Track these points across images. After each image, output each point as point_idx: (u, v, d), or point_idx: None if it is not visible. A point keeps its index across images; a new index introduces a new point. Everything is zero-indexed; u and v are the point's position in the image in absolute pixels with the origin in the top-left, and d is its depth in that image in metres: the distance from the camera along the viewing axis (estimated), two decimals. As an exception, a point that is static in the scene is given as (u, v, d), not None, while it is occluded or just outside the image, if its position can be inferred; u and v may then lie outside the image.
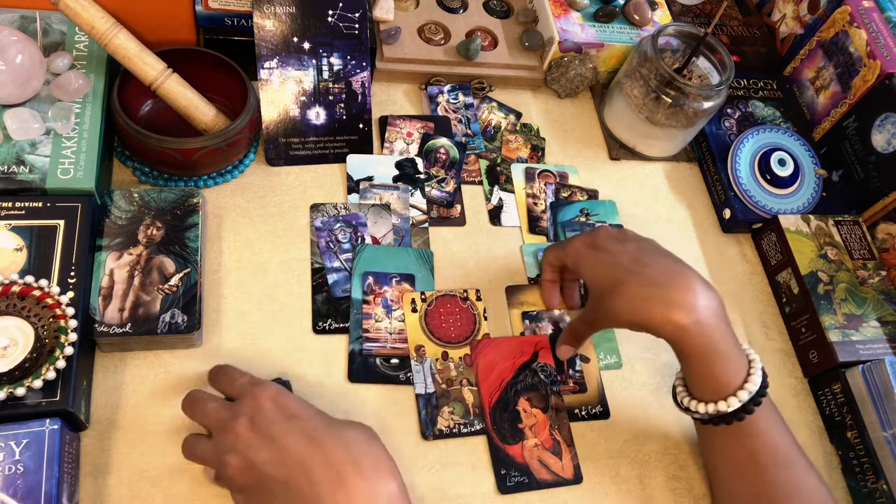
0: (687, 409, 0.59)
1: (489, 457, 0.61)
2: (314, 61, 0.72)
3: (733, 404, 0.55)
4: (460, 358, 0.65)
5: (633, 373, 0.69)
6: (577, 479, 0.61)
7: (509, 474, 0.60)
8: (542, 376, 0.65)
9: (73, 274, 0.55)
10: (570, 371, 0.67)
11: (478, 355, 0.65)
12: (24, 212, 0.57)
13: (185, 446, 0.53)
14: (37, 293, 0.52)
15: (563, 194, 0.78)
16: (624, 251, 0.60)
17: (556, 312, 0.70)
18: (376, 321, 0.65)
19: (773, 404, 0.58)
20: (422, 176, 0.75)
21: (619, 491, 0.62)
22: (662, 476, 0.64)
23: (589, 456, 0.63)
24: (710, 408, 0.56)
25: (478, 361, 0.64)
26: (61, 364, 0.50)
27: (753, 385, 0.55)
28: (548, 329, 0.68)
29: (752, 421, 0.56)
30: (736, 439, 0.57)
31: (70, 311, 0.52)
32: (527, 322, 0.69)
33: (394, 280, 0.67)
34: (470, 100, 0.82)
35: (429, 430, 0.61)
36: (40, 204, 0.57)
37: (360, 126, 0.74)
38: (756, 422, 0.56)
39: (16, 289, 0.52)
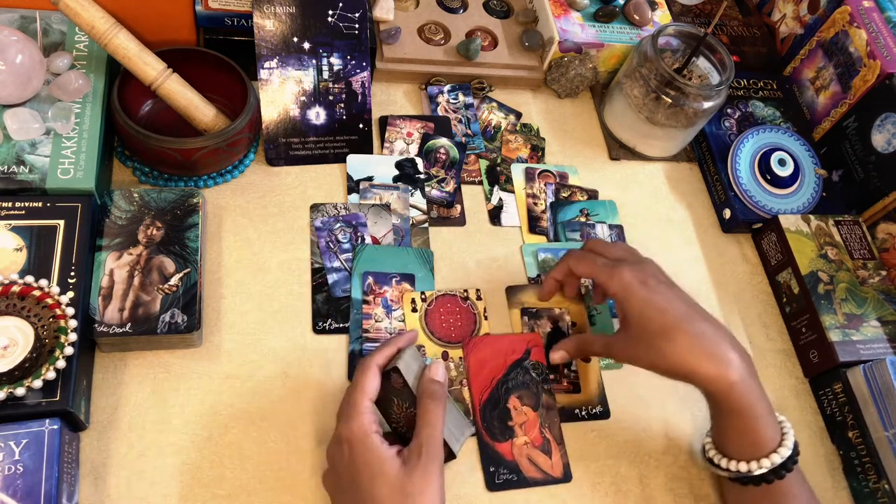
0: (718, 466, 0.58)
1: (478, 454, 0.61)
2: (314, 61, 0.72)
3: (766, 465, 0.55)
4: (460, 358, 0.65)
5: (634, 373, 0.69)
6: (566, 477, 0.61)
7: (498, 472, 0.60)
8: (533, 374, 0.65)
9: (73, 274, 0.55)
10: (565, 370, 0.66)
11: (469, 352, 0.65)
12: (24, 212, 0.57)
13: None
14: (37, 293, 0.52)
15: (563, 194, 0.78)
16: (677, 297, 0.59)
17: (557, 311, 0.69)
18: (376, 321, 0.65)
19: (803, 475, 0.59)
20: (422, 176, 0.75)
21: (619, 491, 0.62)
22: (663, 476, 0.64)
23: (589, 456, 0.63)
24: (743, 466, 0.56)
25: (469, 358, 0.64)
26: (61, 364, 0.50)
27: (787, 450, 0.55)
28: (547, 327, 0.68)
29: (781, 485, 0.56)
30: (763, 499, 0.57)
31: (70, 311, 0.52)
32: (525, 318, 0.69)
33: (394, 280, 0.67)
34: (470, 100, 0.82)
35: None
36: (40, 204, 0.57)
37: (360, 126, 0.74)
38: (786, 486, 0.56)
39: (16, 289, 0.52)
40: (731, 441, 0.58)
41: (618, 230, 0.77)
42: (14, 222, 0.56)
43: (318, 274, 0.67)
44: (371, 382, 0.53)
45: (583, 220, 0.77)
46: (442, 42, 0.83)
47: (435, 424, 0.52)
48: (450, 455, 0.57)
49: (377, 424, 0.52)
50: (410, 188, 0.73)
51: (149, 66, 0.63)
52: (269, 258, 0.67)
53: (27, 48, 0.60)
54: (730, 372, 0.55)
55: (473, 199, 0.76)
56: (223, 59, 0.68)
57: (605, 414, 0.66)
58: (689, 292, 0.75)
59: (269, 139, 0.71)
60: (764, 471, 0.55)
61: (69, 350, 0.51)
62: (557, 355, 0.65)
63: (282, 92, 0.71)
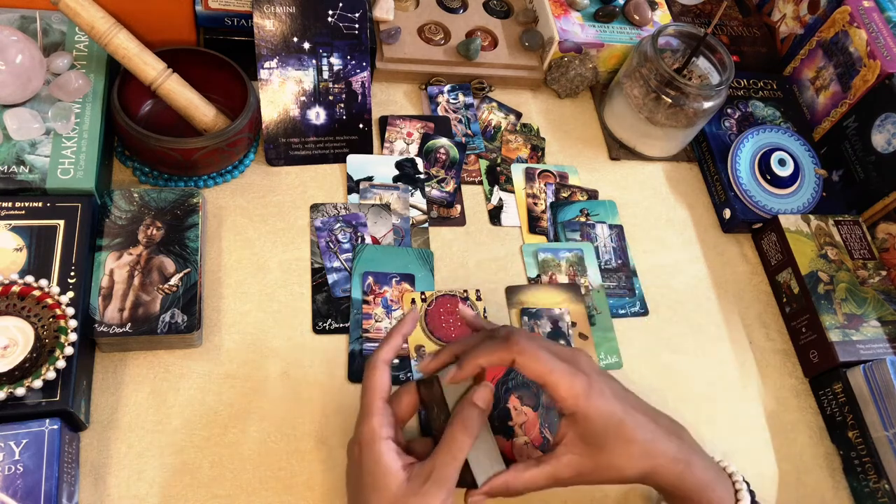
0: None
1: None
2: (314, 61, 0.72)
3: None
4: (460, 358, 0.65)
5: (634, 373, 0.69)
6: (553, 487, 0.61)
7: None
8: None
9: (73, 274, 0.55)
10: None
11: None
12: (24, 212, 0.57)
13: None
14: (37, 293, 0.52)
15: (563, 194, 0.78)
16: (616, 393, 0.52)
17: (557, 311, 0.69)
18: (376, 321, 0.65)
19: None
20: (422, 176, 0.75)
21: (619, 490, 0.62)
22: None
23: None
24: None
25: None
26: (61, 364, 0.50)
27: (745, 502, 0.53)
28: (546, 327, 0.68)
29: None
30: None
31: (70, 311, 0.52)
32: (525, 318, 0.69)
33: (394, 280, 0.67)
34: (470, 100, 0.82)
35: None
36: (40, 204, 0.57)
37: (360, 126, 0.74)
38: None
39: (16, 289, 0.52)
40: None
41: (618, 230, 0.77)
42: (14, 222, 0.56)
43: (318, 274, 0.67)
44: (379, 380, 0.51)
45: (583, 220, 0.77)
46: (442, 42, 0.83)
47: (454, 454, 0.48)
48: (472, 484, 0.51)
49: (391, 427, 0.50)
50: (410, 188, 0.73)
51: (149, 66, 0.63)
52: (269, 258, 0.67)
53: (27, 48, 0.60)
54: (679, 462, 0.51)
55: (473, 199, 0.76)
56: (223, 59, 0.68)
57: (605, 414, 0.65)
58: (689, 292, 0.76)
59: (269, 139, 0.71)
60: None
61: (69, 350, 0.51)
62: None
63: (282, 92, 0.71)
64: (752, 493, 0.54)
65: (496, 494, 0.51)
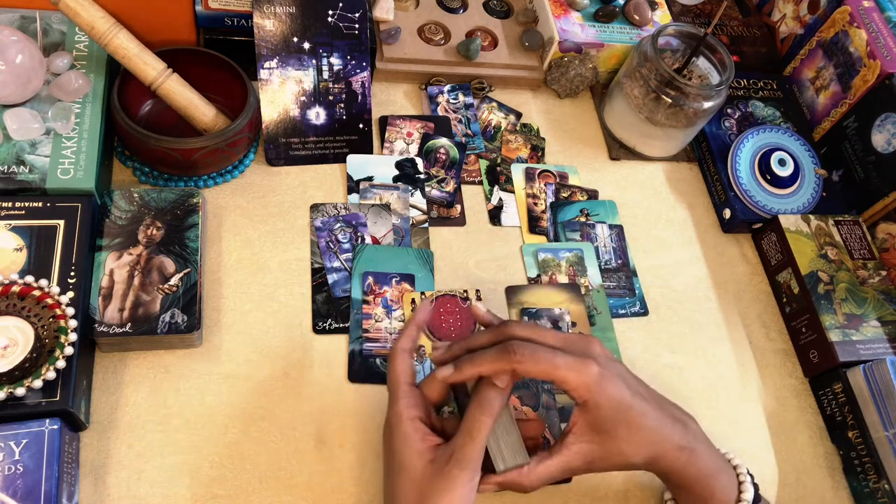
0: None
1: None
2: (314, 61, 0.72)
3: None
4: (460, 358, 0.65)
5: (634, 372, 0.69)
6: (566, 478, 0.61)
7: None
8: None
9: (73, 274, 0.55)
10: None
11: None
12: (24, 212, 0.57)
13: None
14: (37, 293, 0.52)
15: (563, 194, 0.78)
16: (627, 382, 0.53)
17: (557, 311, 0.69)
18: (376, 321, 0.65)
19: None
20: (422, 176, 0.75)
21: (619, 490, 0.62)
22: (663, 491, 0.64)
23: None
24: None
25: None
26: (61, 364, 0.50)
27: (748, 494, 0.53)
28: (546, 327, 0.68)
29: None
30: None
31: (70, 311, 0.52)
32: (525, 319, 0.69)
33: (394, 280, 0.67)
34: (470, 100, 0.82)
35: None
36: (40, 204, 0.57)
37: (360, 126, 0.74)
38: None
39: (16, 289, 0.52)
40: None
41: (618, 230, 0.77)
42: (14, 222, 0.56)
43: (318, 274, 0.67)
44: (400, 366, 0.52)
45: (583, 220, 0.77)
46: (442, 42, 0.83)
47: (473, 435, 0.48)
48: (491, 469, 0.52)
49: (418, 408, 0.50)
50: (410, 188, 0.73)
51: (149, 66, 0.63)
52: (269, 258, 0.67)
53: (27, 48, 0.60)
54: (683, 449, 0.52)
55: (473, 199, 0.76)
56: (223, 59, 0.68)
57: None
58: (689, 292, 0.76)
59: (269, 139, 0.71)
60: None
61: (69, 350, 0.51)
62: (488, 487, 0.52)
63: (282, 92, 0.71)
64: (755, 486, 0.55)
65: (507, 488, 0.52)
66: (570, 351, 0.51)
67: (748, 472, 0.55)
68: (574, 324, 0.69)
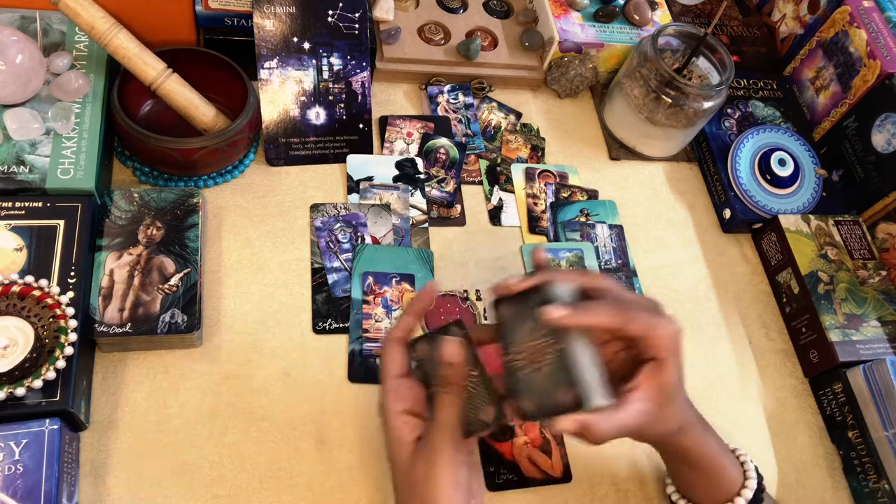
0: None
1: (478, 454, 0.61)
2: (314, 61, 0.72)
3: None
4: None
5: (634, 373, 0.69)
6: (566, 477, 0.61)
7: (498, 472, 0.60)
8: None
9: (73, 274, 0.55)
10: None
11: None
12: (24, 212, 0.57)
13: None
14: (37, 293, 0.52)
15: (563, 194, 0.78)
16: None
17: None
18: (376, 321, 0.65)
19: (773, 500, 0.58)
20: (422, 176, 0.75)
21: (619, 491, 0.62)
22: (663, 476, 0.64)
23: (589, 456, 0.63)
24: None
25: None
26: (61, 364, 0.50)
27: (753, 481, 0.54)
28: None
29: None
30: None
31: (70, 311, 0.52)
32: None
33: (394, 280, 0.67)
34: (470, 100, 0.82)
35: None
36: (40, 204, 0.57)
37: (360, 126, 0.74)
38: None
39: (16, 289, 0.52)
40: (699, 489, 0.56)
41: (618, 230, 0.77)
42: (14, 222, 0.56)
43: (318, 274, 0.67)
44: (389, 358, 0.52)
45: (583, 220, 0.77)
46: (442, 42, 0.83)
47: (438, 421, 0.48)
48: (560, 410, 0.46)
49: (406, 401, 0.51)
50: (410, 188, 0.73)
51: (149, 66, 0.63)
52: (269, 258, 0.67)
53: (27, 48, 0.60)
54: (703, 422, 0.54)
55: (473, 199, 0.76)
56: (223, 59, 0.68)
57: (605, 414, 0.66)
58: (689, 292, 0.76)
59: (269, 139, 0.71)
60: None
61: (69, 350, 0.51)
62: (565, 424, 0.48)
63: (282, 92, 0.71)
64: (759, 475, 0.56)
65: (581, 434, 0.47)
66: (652, 309, 0.50)
67: (751, 461, 0.56)
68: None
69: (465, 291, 0.68)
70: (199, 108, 0.66)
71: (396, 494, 0.50)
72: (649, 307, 0.51)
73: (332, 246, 0.68)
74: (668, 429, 0.52)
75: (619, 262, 0.75)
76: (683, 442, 0.53)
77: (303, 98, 0.72)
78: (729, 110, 0.86)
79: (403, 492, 0.49)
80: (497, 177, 0.78)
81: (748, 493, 0.54)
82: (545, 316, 0.46)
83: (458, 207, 0.75)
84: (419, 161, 0.75)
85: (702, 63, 0.80)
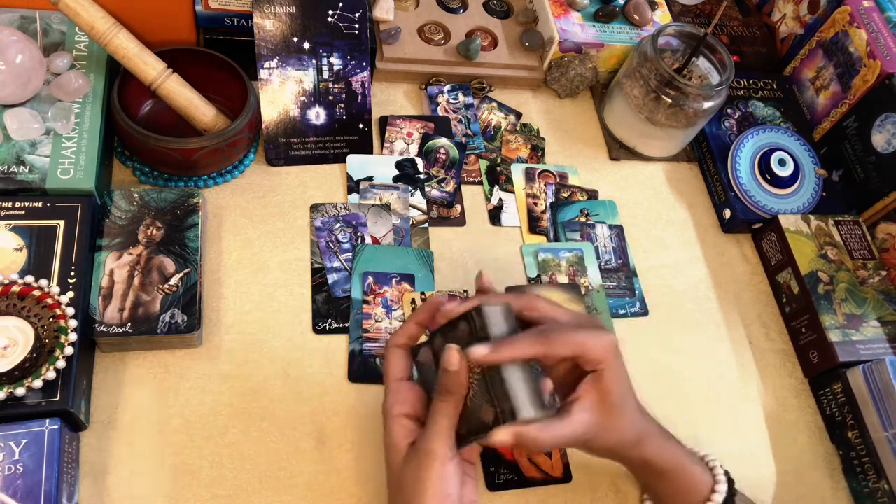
0: None
1: (478, 454, 0.61)
2: (314, 61, 0.72)
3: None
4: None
5: (633, 373, 0.68)
6: (566, 477, 0.61)
7: (498, 472, 0.60)
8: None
9: (73, 274, 0.55)
10: None
11: None
12: (24, 212, 0.57)
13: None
14: (37, 293, 0.52)
15: (563, 194, 0.78)
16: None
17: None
18: (376, 321, 0.65)
19: (749, 499, 0.57)
20: (422, 176, 0.75)
21: (619, 491, 0.62)
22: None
23: (588, 456, 0.63)
24: None
25: None
26: (61, 364, 0.50)
27: (722, 485, 0.54)
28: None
29: None
30: None
31: (70, 311, 0.52)
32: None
33: (394, 280, 0.67)
34: (470, 100, 0.82)
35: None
36: (40, 204, 0.57)
37: (360, 126, 0.74)
38: None
39: (16, 289, 0.52)
40: (670, 499, 0.56)
41: (618, 230, 0.77)
42: (14, 222, 0.56)
43: (318, 274, 0.67)
44: (390, 363, 0.52)
45: (583, 220, 0.77)
46: (442, 42, 0.83)
47: (433, 426, 0.48)
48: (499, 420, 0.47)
49: (406, 405, 0.51)
50: (410, 188, 0.73)
51: (149, 66, 0.63)
52: (269, 258, 0.67)
53: (27, 48, 0.60)
54: (666, 432, 0.55)
55: (473, 199, 0.76)
56: (223, 59, 0.68)
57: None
58: (689, 292, 0.76)
59: (269, 139, 0.71)
60: None
61: (69, 350, 0.51)
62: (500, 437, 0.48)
63: (282, 92, 0.71)
64: (729, 478, 0.56)
65: (521, 442, 0.48)
66: (584, 326, 0.51)
67: (720, 465, 0.56)
68: (574, 324, 0.69)
69: (465, 291, 0.68)
70: (199, 108, 0.66)
71: (388, 496, 0.51)
72: (580, 324, 0.51)
73: (332, 246, 0.68)
74: (623, 439, 0.52)
75: (619, 262, 0.75)
76: (645, 453, 0.53)
77: (303, 98, 0.72)
78: (729, 110, 0.86)
79: (393, 494, 0.50)
80: (497, 177, 0.78)
81: (718, 498, 0.54)
82: (470, 357, 0.48)
83: (458, 207, 0.75)
84: (419, 161, 0.75)
85: (702, 63, 0.80)
